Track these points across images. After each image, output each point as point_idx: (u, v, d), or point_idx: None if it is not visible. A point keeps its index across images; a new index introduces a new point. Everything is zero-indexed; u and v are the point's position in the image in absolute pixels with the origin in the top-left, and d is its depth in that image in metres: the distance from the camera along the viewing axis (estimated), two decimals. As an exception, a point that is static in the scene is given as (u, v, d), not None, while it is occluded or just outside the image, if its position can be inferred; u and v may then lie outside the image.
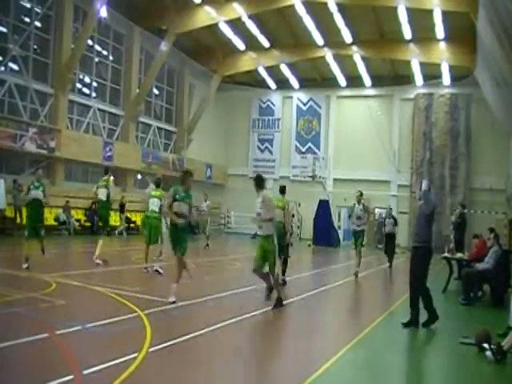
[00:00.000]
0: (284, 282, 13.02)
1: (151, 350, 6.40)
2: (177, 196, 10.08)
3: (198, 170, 38.59)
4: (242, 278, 13.50)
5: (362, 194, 16.98)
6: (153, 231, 13.78)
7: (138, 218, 30.28)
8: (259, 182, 10.38)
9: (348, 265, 20.19)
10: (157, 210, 13.75)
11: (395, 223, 21.24)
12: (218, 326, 8.06)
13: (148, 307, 8.83)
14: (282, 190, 13.51)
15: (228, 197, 42.05)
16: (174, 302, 9.43)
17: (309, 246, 31.20)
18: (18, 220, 23.95)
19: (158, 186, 14.17)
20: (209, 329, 7.81)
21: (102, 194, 14.79)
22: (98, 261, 14.02)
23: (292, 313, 10.04)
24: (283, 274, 13.19)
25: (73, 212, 27.66)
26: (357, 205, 16.86)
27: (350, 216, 17.42)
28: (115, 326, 7.62)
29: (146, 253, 13.82)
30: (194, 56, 37.67)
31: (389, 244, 21.27)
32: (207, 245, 24.34)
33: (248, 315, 9.07)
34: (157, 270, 13.05)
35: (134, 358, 5.95)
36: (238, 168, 42.36)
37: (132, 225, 30.62)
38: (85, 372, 5.43)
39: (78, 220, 28.08)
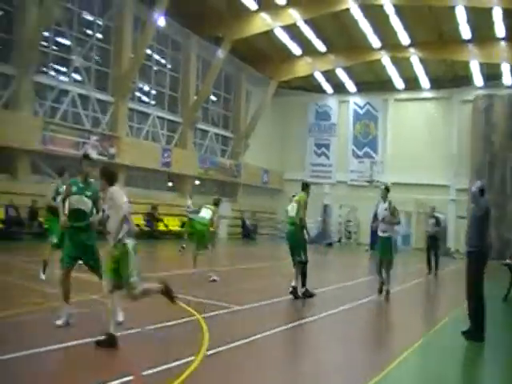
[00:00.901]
0: (309, 295, 11.44)
1: (209, 353, 6.46)
2: (73, 188, 8.19)
3: (254, 176, 38.93)
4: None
5: (388, 190, 12.98)
6: (202, 238, 13.77)
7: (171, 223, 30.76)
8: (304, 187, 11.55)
9: (403, 272, 19.80)
10: (208, 217, 13.77)
11: (437, 223, 18.70)
12: (274, 331, 8.07)
13: (206, 311, 8.91)
14: (304, 187, 11.99)
15: (284, 202, 41.90)
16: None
17: (366, 251, 30.81)
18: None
19: (216, 205, 14.22)
20: (264, 334, 7.83)
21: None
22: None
23: (340, 322, 9.88)
24: (303, 285, 11.38)
25: (132, 217, 28.12)
26: (381, 203, 12.89)
27: (374, 216, 14.08)
28: (174, 328, 7.75)
29: (194, 259, 13.89)
30: (251, 62, 37.89)
31: (431, 247, 18.56)
32: (182, 247, 20.77)
33: (303, 321, 9.06)
34: (214, 280, 13.07)
35: (192, 361, 6.02)
36: (294, 173, 41.97)
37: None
38: (144, 373, 5.54)
39: (138, 225, 28.60)
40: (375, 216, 13.47)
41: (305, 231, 11.70)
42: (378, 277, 12.55)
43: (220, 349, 6.71)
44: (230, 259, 22.87)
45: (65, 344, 6.45)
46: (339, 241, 37.91)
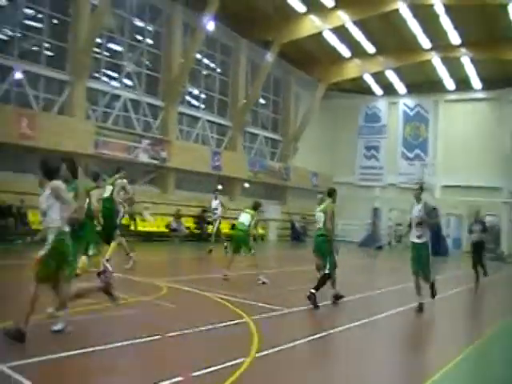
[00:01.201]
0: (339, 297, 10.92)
1: (258, 355, 6.42)
2: None
3: (303, 178, 38.76)
4: (348, 286, 13.27)
5: (422, 189, 11.23)
6: (241, 243, 13.51)
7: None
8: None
9: (455, 275, 19.38)
10: (246, 223, 13.51)
11: (484, 229, 16.63)
12: (323, 334, 8.00)
13: (255, 313, 8.86)
14: (330, 193, 10.97)
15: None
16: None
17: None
18: (133, 227, 25.04)
19: (255, 209, 13.93)
20: (314, 336, 7.76)
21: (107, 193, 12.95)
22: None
23: (394, 326, 9.71)
24: (316, 289, 10.22)
25: (183, 220, 28.45)
26: (416, 205, 10.99)
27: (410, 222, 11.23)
28: (223, 330, 7.73)
29: (229, 262, 13.58)
30: (299, 65, 37.66)
31: (476, 255, 16.45)
32: (210, 250, 20.76)
33: (352, 325, 8.92)
34: (263, 282, 13.00)
35: (242, 363, 6.00)
36: (344, 176, 41.62)
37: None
38: (194, 374, 5.53)
39: (188, 227, 28.84)
40: (410, 222, 11.12)
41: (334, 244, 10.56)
42: (418, 296, 10.71)
43: (269, 351, 6.66)
44: (278, 261, 22.82)
45: (117, 344, 6.52)
46: (389, 244, 37.40)
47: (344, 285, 11.24)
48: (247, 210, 13.83)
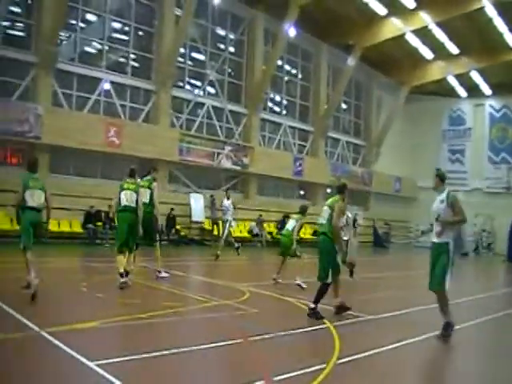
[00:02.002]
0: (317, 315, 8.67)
1: (339, 361, 6.13)
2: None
3: (386, 184, 37.89)
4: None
5: (443, 178, 8.40)
6: (286, 249, 12.70)
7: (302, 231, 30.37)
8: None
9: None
10: (290, 228, 12.69)
11: None
12: (408, 341, 7.62)
13: (337, 319, 8.52)
14: (340, 189, 9.40)
15: (418, 210, 40.48)
16: None
17: (502, 261, 28.85)
18: (216, 232, 25.25)
19: (302, 213, 12.93)
20: (397, 344, 7.40)
21: (144, 197, 11.48)
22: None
23: (473, 337, 9.04)
24: (315, 302, 8.74)
25: (265, 225, 28.41)
26: (438, 196, 8.25)
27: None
28: (304, 335, 7.54)
29: (280, 267, 12.76)
30: (381, 68, 36.70)
31: None
32: (217, 256, 17.46)
33: (437, 332, 8.48)
34: (299, 285, 11.94)
35: (322, 369, 5.75)
36: (428, 180, 39.83)
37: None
38: (275, 379, 5.35)
39: (270, 233, 28.77)
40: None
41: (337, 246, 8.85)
42: (444, 317, 7.92)
43: (351, 358, 6.34)
44: (359, 268, 22.36)
45: (201, 346, 6.44)
46: (475, 250, 35.98)
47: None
48: (294, 216, 13.15)
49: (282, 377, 5.43)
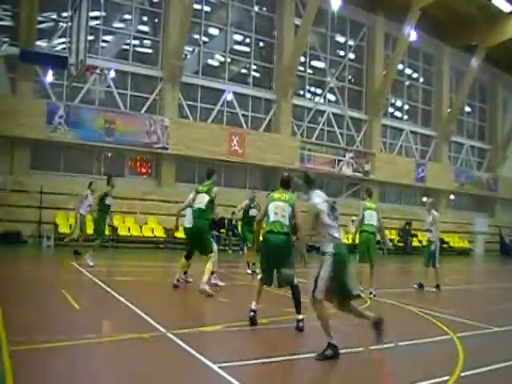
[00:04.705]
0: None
1: (463, 374, 5.55)
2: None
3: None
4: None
5: None
6: (371, 249, 10.81)
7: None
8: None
9: None
10: (375, 224, 10.67)
11: None
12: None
13: (461, 330, 7.71)
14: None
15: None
16: None
17: None
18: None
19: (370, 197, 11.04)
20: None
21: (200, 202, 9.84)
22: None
23: None
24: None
25: (386, 232, 27.22)
26: None
27: None
28: (427, 346, 6.95)
29: (369, 275, 10.79)
30: (507, 69, 34.24)
31: None
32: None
33: None
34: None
35: (446, 381, 5.25)
36: None
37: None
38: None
39: (391, 240, 27.55)
40: None
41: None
42: None
43: (476, 371, 5.69)
44: (485, 277, 20.85)
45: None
46: None
47: None
48: (368, 205, 11.26)
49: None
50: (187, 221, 10.61)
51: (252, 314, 7.10)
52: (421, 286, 12.24)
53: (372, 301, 10.15)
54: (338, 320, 8.09)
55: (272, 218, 7.15)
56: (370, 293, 10.42)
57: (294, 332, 7.17)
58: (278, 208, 7.22)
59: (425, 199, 12.82)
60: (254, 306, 7.14)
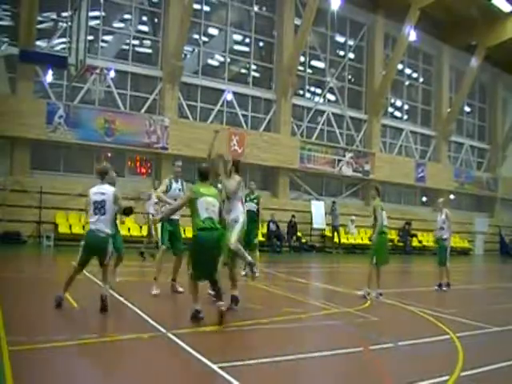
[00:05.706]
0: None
1: (463, 374, 5.56)
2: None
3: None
4: None
5: None
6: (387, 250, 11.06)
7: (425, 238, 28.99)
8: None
9: None
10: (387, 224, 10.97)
11: None
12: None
13: (461, 330, 7.74)
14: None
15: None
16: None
17: None
18: (336, 239, 24.53)
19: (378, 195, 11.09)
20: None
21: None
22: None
23: None
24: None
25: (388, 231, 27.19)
26: None
27: None
28: (425, 346, 6.95)
29: (376, 275, 10.71)
30: (507, 69, 34.12)
31: None
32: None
33: None
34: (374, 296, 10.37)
35: (445, 381, 5.28)
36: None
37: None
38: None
39: (391, 240, 27.51)
40: None
41: None
42: None
43: (475, 371, 5.73)
44: (484, 277, 20.85)
45: (320, 353, 6.15)
46: None
47: None
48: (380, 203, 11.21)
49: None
50: None
51: (196, 312, 7.08)
52: (448, 285, 12.30)
53: (373, 300, 10.15)
54: (336, 320, 8.17)
55: (204, 214, 7.05)
56: (380, 294, 10.53)
57: (295, 332, 7.23)
58: (208, 204, 7.15)
59: (440, 200, 12.53)
60: (198, 306, 7.11)
